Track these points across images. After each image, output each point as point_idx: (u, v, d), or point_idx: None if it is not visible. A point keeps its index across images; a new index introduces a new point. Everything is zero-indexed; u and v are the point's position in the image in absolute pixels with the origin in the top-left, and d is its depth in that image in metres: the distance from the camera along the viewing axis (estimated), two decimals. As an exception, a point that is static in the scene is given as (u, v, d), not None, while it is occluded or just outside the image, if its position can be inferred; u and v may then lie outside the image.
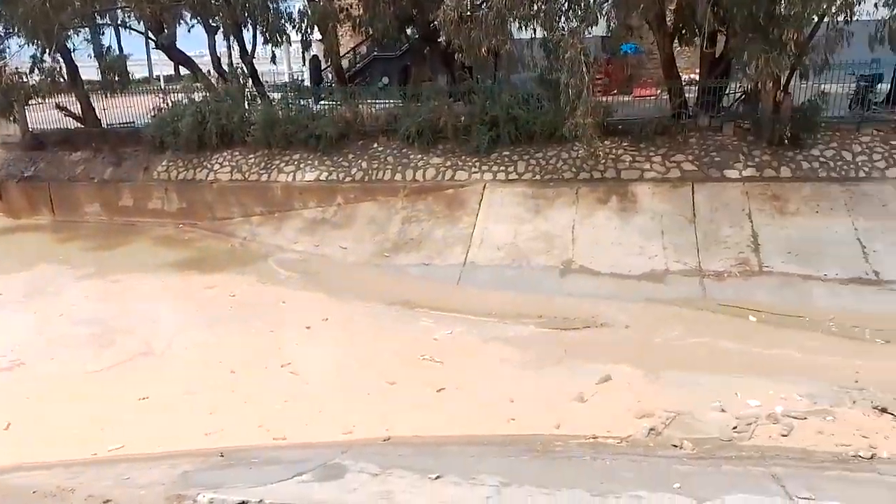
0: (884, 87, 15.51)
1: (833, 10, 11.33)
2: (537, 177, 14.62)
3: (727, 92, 15.27)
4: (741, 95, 14.97)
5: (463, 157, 15.32)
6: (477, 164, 15.12)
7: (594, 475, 6.42)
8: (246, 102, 17.62)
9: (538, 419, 7.86)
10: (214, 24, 18.52)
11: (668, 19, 15.25)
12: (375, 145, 16.37)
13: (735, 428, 7.38)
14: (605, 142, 14.56)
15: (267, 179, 16.26)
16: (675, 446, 7.01)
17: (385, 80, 21.89)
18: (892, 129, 13.83)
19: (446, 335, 10.45)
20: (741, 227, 12.53)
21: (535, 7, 12.60)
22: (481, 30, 12.40)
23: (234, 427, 7.98)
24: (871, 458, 6.73)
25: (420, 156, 15.65)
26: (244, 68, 19.21)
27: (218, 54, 19.63)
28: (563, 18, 12.90)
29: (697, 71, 16.29)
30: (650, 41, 18.74)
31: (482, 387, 8.80)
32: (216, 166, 16.88)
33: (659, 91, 16.72)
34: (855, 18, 12.13)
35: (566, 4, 12.95)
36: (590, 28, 12.75)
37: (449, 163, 15.35)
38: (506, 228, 13.66)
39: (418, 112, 15.77)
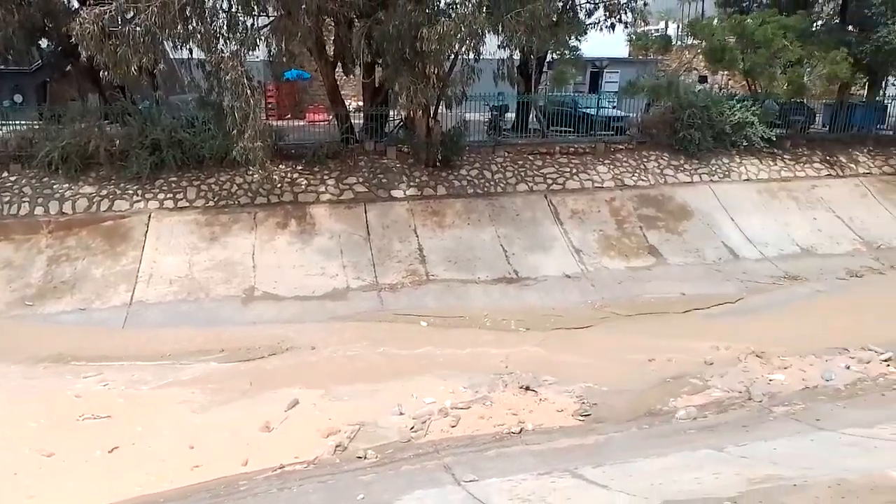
0: (511, 116, 18.57)
1: (464, 49, 13.12)
2: (211, 203, 13.94)
3: (389, 118, 16.61)
4: (400, 122, 16.41)
5: (122, 185, 13.84)
6: (139, 191, 13.80)
7: (280, 507, 6.31)
8: None
9: (224, 460, 7.42)
10: None
11: (328, 48, 15.92)
12: (6, 174, 13.79)
13: (412, 428, 7.98)
14: (281, 166, 14.61)
15: None
16: (359, 458, 7.29)
17: (18, 97, 18.66)
18: (518, 151, 16.62)
19: (105, 388, 9.22)
20: (409, 241, 13.71)
21: (191, 26, 12.01)
22: (129, 46, 11.35)
23: None
24: (520, 432, 7.92)
25: (67, 185, 13.68)
26: None
27: None
28: (221, 40, 12.53)
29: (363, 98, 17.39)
30: (315, 68, 19.38)
31: (160, 437, 7.98)
32: None
33: (331, 117, 17.40)
34: (482, 57, 14.25)
35: (224, 26, 12.62)
36: (251, 51, 12.63)
37: (105, 191, 13.72)
38: (179, 260, 12.71)
39: (61, 135, 13.75)
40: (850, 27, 18.53)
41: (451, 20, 12.09)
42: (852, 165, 18.00)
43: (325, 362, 10.12)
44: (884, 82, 20.27)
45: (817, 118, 20.00)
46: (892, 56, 17.23)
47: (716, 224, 15.44)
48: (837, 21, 19.10)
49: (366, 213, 14.26)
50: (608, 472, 6.23)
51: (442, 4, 13.04)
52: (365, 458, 7.28)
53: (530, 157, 16.56)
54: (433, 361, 10.02)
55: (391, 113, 16.53)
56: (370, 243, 13.60)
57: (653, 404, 8.58)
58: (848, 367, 9.64)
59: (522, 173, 16.06)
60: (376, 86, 16.10)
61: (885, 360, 9.84)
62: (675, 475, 5.89)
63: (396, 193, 14.79)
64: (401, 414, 8.38)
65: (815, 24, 18.75)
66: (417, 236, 13.87)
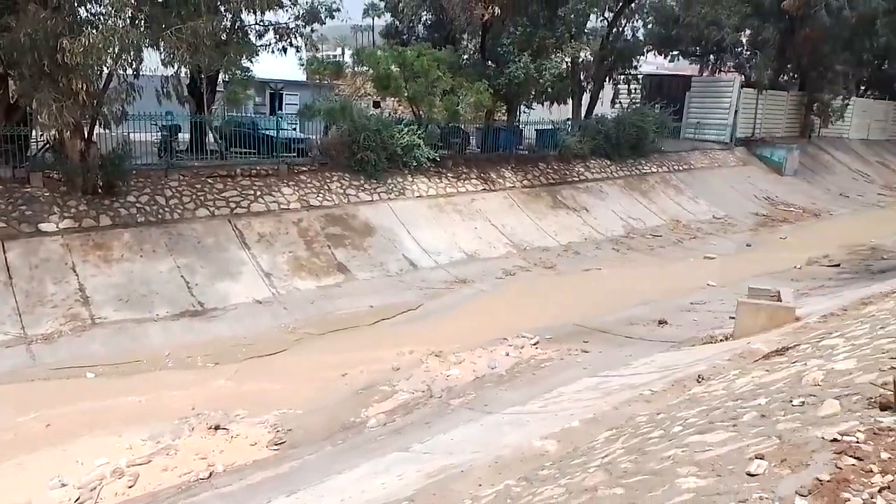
0: (185, 136, 17.41)
1: (118, 65, 11.88)
2: None
3: (32, 140, 14.19)
4: (45, 144, 14.15)
5: None
6: None
7: None
8: None
9: None
10: None
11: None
12: None
13: (78, 500, 6.87)
14: None
15: None
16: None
17: None
18: (195, 173, 15.65)
19: None
20: (67, 281, 11.87)
21: None
22: None
23: None
24: (210, 476, 7.39)
25: None
26: None
27: None
28: None
29: None
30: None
31: None
32: None
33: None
34: (143, 74, 13.08)
35: None
36: None
37: None
38: None
39: None
40: (490, 62, 21.72)
41: (99, 32, 10.86)
42: (501, 180, 21.06)
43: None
44: (518, 110, 24.17)
45: (472, 140, 22.95)
46: (521, 88, 20.68)
47: (396, 238, 16.62)
48: (479, 56, 22.19)
49: (4, 252, 11.92)
50: (301, 498, 6.16)
51: (85, 14, 11.62)
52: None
53: (210, 181, 15.75)
54: (103, 417, 8.79)
55: (34, 133, 14.16)
56: (13, 288, 11.40)
57: (346, 418, 8.80)
58: (507, 354, 11.18)
59: (202, 198, 15.18)
60: (11, 102, 13.63)
61: (534, 344, 11.67)
62: (365, 484, 6.09)
63: (46, 227, 12.67)
64: (62, 486, 7.14)
65: (462, 58, 21.51)
66: (77, 275, 12.07)
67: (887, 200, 30.16)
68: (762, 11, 28.86)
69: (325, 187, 17.19)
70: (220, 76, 18.54)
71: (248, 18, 17.01)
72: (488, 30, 21.50)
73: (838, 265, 17.31)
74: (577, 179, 22.99)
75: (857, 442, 3.09)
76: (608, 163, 24.35)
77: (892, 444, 3.02)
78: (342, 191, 17.36)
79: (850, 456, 2.95)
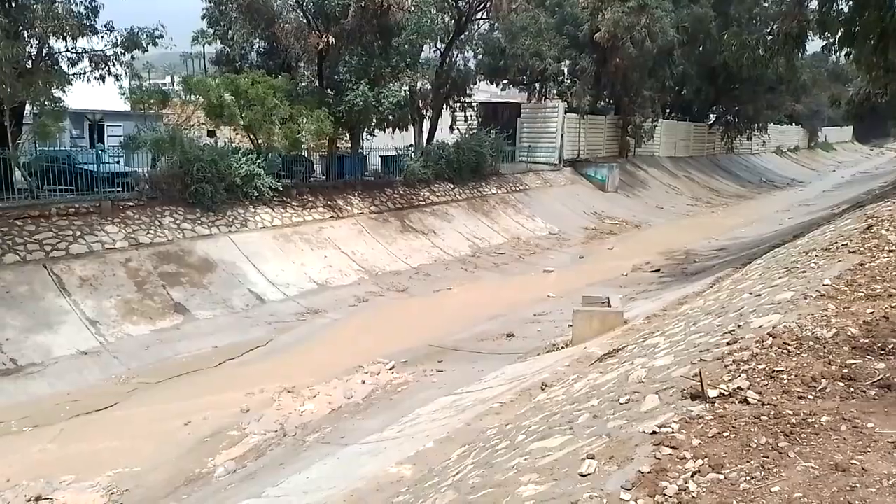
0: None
1: None
2: None
3: None
4: None
5: None
6: None
7: None
8: None
9: None
10: None
11: None
12: None
13: None
14: None
15: None
16: None
17: None
18: (1, 215, 13.91)
19: None
20: None
21: None
22: None
23: None
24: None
25: None
26: None
27: None
28: None
29: None
30: None
31: None
32: None
33: None
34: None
35: None
36: None
37: None
38: None
39: None
40: (328, 90, 21.66)
41: None
42: (349, 207, 20.98)
43: None
44: (361, 136, 24.30)
45: (316, 168, 22.67)
46: (361, 115, 20.82)
47: (240, 273, 15.89)
48: (317, 84, 22.06)
49: None
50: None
51: None
52: None
53: (19, 223, 14.06)
54: None
55: None
56: None
57: (191, 470, 8.18)
58: (364, 382, 11.06)
59: (10, 242, 13.50)
60: None
61: (390, 369, 11.66)
62: (215, 540, 5.70)
63: None
64: None
65: (299, 86, 21.24)
66: None
67: (695, 210, 34.07)
68: (578, 43, 31.58)
69: (157, 223, 16.04)
70: (28, 107, 16.74)
71: (59, 45, 15.58)
72: (324, 58, 21.48)
73: (658, 270, 19.19)
74: (424, 203, 23.51)
75: (673, 432, 3.42)
76: (452, 186, 25.18)
77: (701, 431, 3.38)
78: (176, 225, 16.29)
79: (667, 446, 3.26)
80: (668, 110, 42.68)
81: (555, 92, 33.57)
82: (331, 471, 6.96)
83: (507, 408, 6.93)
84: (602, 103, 36.44)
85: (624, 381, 5.27)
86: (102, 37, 16.23)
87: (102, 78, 15.95)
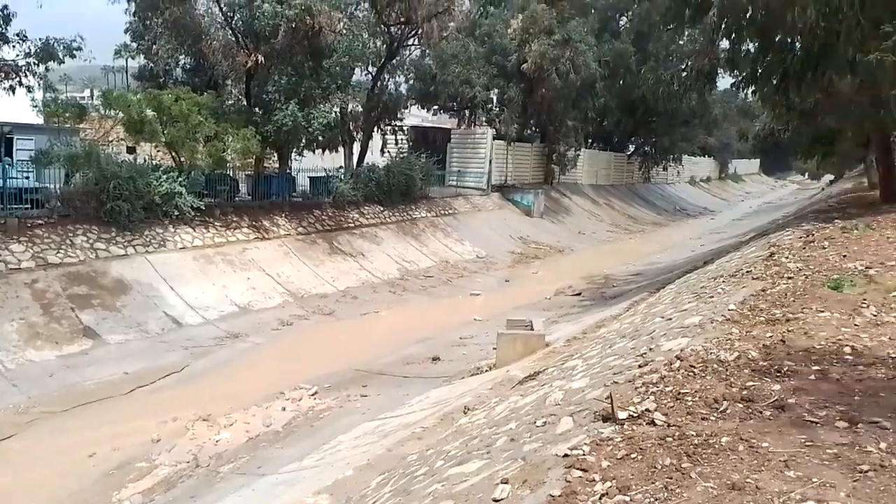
0: None
1: None
2: None
3: None
4: None
5: None
6: None
7: None
8: None
9: None
10: None
11: None
12: None
13: None
14: None
15: None
16: None
17: None
18: None
19: None
20: None
21: None
22: None
23: None
24: None
25: None
26: None
27: None
28: None
29: None
30: None
31: None
32: None
33: None
34: None
35: None
36: None
37: None
38: None
39: None
40: (256, 109, 21.30)
41: None
42: (275, 228, 20.54)
43: None
44: (290, 157, 23.96)
45: (241, 188, 22.13)
46: (290, 135, 20.55)
47: (157, 295, 15.22)
48: (244, 103, 21.66)
49: None
50: None
51: None
52: None
53: None
54: None
55: None
56: None
57: (95, 506, 7.70)
58: (284, 409, 10.75)
59: None
60: None
61: (313, 394, 11.41)
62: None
63: None
64: None
65: (225, 104, 20.79)
66: None
67: (615, 236, 35.35)
68: (506, 73, 32.46)
69: (68, 242, 15.19)
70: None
71: (-38, 53, 14.71)
72: (253, 77, 21.15)
73: (580, 294, 19.73)
74: (353, 225, 23.34)
75: (584, 455, 3.51)
76: (381, 209, 25.14)
77: (610, 453, 3.48)
78: (89, 245, 15.48)
79: (578, 469, 3.34)
80: (590, 140, 44.31)
81: (484, 119, 34.26)
82: (245, 503, 6.70)
83: (429, 432, 6.90)
84: (529, 131, 37.46)
85: (542, 404, 5.37)
86: (14, 46, 15.41)
87: (13, 89, 15.09)
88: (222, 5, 20.47)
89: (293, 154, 23.97)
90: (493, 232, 28.96)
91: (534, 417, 4.87)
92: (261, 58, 19.81)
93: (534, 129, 37.65)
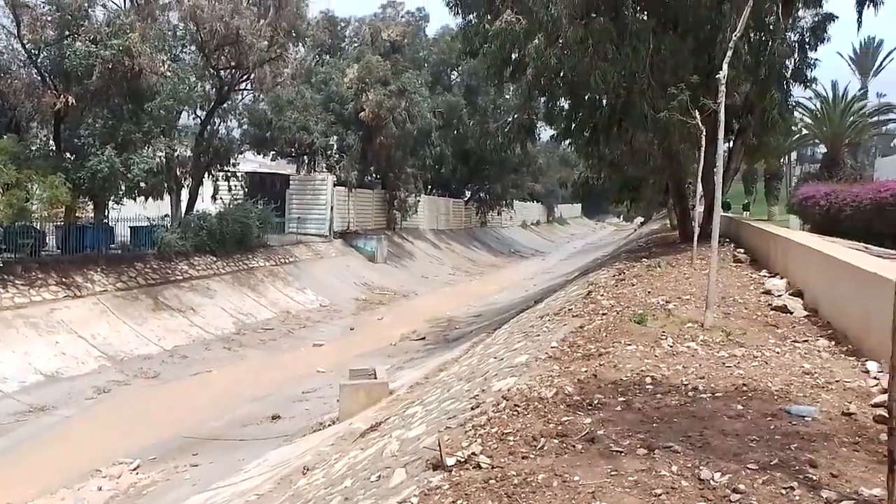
0: None
1: None
2: None
3: None
4: None
5: None
6: None
7: None
8: None
9: None
10: None
11: None
12: None
13: None
14: None
15: None
16: None
17: None
18: None
19: None
20: None
21: None
22: None
23: None
24: None
25: None
26: None
27: None
28: None
29: None
30: None
31: None
32: None
33: None
34: None
35: None
36: None
37: None
38: None
39: None
40: (67, 154, 19.43)
41: None
42: (89, 285, 18.62)
43: None
44: (107, 205, 22.00)
45: (49, 240, 19.89)
46: (106, 182, 18.92)
47: (-62, 368, 13.07)
48: (53, 148, 19.69)
49: None
50: None
51: None
52: None
53: None
54: None
55: None
56: None
57: None
58: (101, 489, 9.63)
59: None
60: None
61: (134, 469, 10.34)
62: None
63: None
64: None
65: (29, 149, 18.75)
66: None
67: (456, 279, 36.50)
68: (344, 120, 32.76)
69: None
70: None
71: None
72: (63, 119, 19.34)
73: (424, 338, 20.00)
74: (182, 278, 21.84)
75: (412, 507, 3.50)
76: (214, 259, 23.82)
77: (438, 502, 3.51)
78: None
79: (406, 522, 3.32)
80: (429, 186, 45.79)
81: (324, 165, 34.12)
82: None
83: (264, 500, 6.53)
84: (369, 178, 37.90)
85: (379, 457, 5.31)
86: None
87: None
88: (24, 42, 18.65)
89: (111, 202, 22.06)
90: (337, 279, 28.62)
91: (370, 472, 4.80)
92: (71, 99, 18.21)
93: (374, 175, 38.15)
